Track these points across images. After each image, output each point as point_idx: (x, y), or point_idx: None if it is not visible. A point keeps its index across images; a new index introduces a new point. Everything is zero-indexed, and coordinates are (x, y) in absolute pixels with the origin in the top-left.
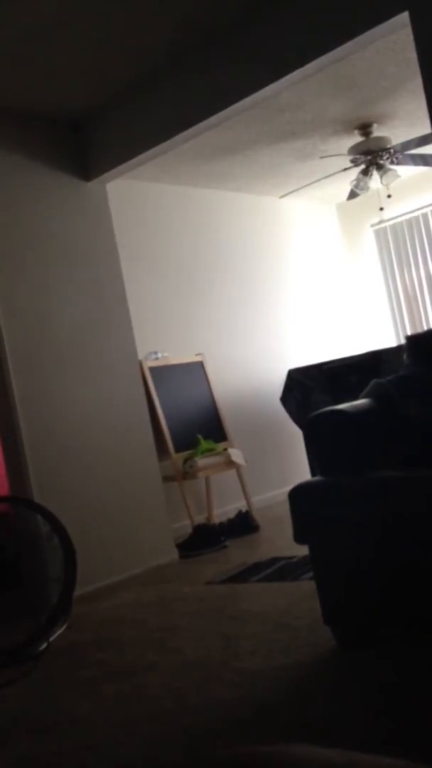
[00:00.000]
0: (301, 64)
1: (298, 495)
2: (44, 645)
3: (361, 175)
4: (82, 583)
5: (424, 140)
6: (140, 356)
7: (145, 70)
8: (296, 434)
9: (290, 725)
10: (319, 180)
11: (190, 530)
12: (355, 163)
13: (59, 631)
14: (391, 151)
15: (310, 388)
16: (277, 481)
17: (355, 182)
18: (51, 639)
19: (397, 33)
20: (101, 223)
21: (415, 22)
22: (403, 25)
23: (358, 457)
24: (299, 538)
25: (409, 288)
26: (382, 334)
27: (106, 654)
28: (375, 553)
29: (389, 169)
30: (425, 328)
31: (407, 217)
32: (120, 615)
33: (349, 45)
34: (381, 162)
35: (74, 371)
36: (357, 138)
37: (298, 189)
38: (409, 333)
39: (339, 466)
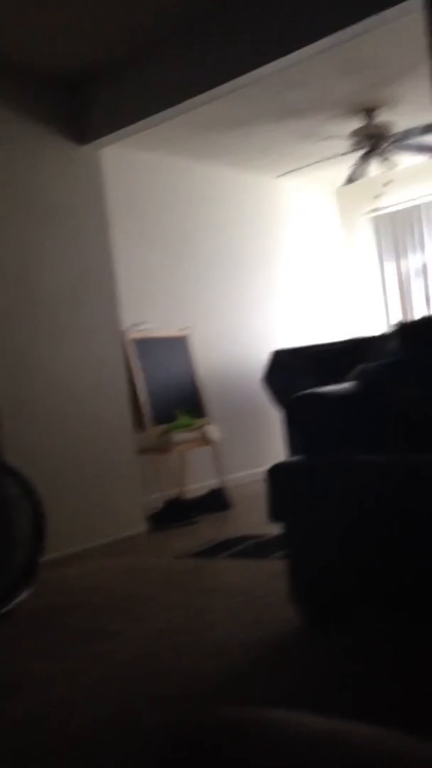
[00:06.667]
0: (310, 41)
1: (277, 473)
2: (9, 607)
3: (361, 160)
4: (50, 549)
5: (427, 129)
6: (124, 326)
7: (151, 35)
8: (273, 416)
9: (253, 696)
10: (318, 162)
11: (161, 503)
12: (356, 147)
13: (25, 594)
14: (394, 138)
15: (294, 370)
16: (251, 461)
17: (354, 167)
18: (16, 601)
19: (409, 16)
20: (93, 188)
21: (428, 6)
22: (416, 8)
23: (338, 439)
24: (274, 516)
25: (401, 277)
26: (372, 321)
27: (72, 619)
28: (348, 534)
29: (390, 157)
30: (414, 317)
31: (405, 206)
32: (87, 582)
33: (360, 25)
34: (382, 148)
35: (54, 335)
36: (360, 122)
37: (296, 169)
38: (399, 321)
39: (318, 447)
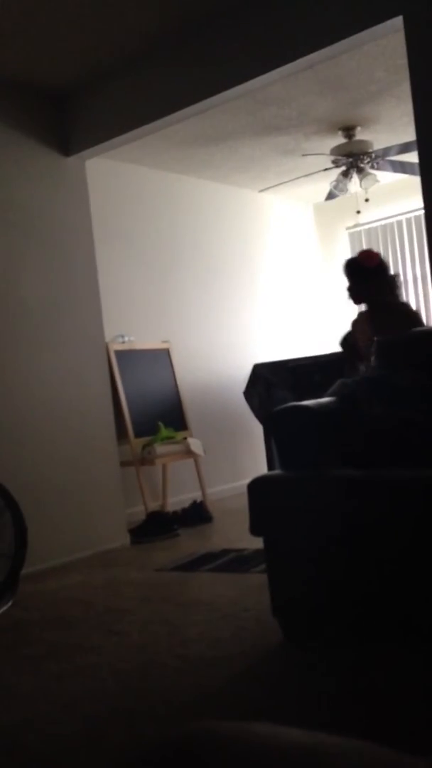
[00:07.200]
0: (292, 59)
1: (258, 487)
2: None
3: (341, 177)
4: (31, 562)
5: (405, 147)
6: (107, 338)
7: (136, 49)
8: (254, 429)
9: (232, 711)
10: (299, 177)
11: (143, 516)
12: (336, 164)
13: (4, 608)
14: (373, 155)
15: (274, 384)
16: (232, 474)
17: (334, 183)
18: None
19: (389, 37)
20: (77, 199)
21: (408, 26)
22: (396, 29)
23: (319, 453)
24: (255, 529)
25: None
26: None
27: (50, 633)
28: (329, 549)
29: (369, 173)
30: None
31: (382, 222)
32: (67, 596)
33: (341, 44)
34: (362, 165)
35: (38, 347)
36: (340, 139)
37: (277, 185)
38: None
39: (299, 461)
